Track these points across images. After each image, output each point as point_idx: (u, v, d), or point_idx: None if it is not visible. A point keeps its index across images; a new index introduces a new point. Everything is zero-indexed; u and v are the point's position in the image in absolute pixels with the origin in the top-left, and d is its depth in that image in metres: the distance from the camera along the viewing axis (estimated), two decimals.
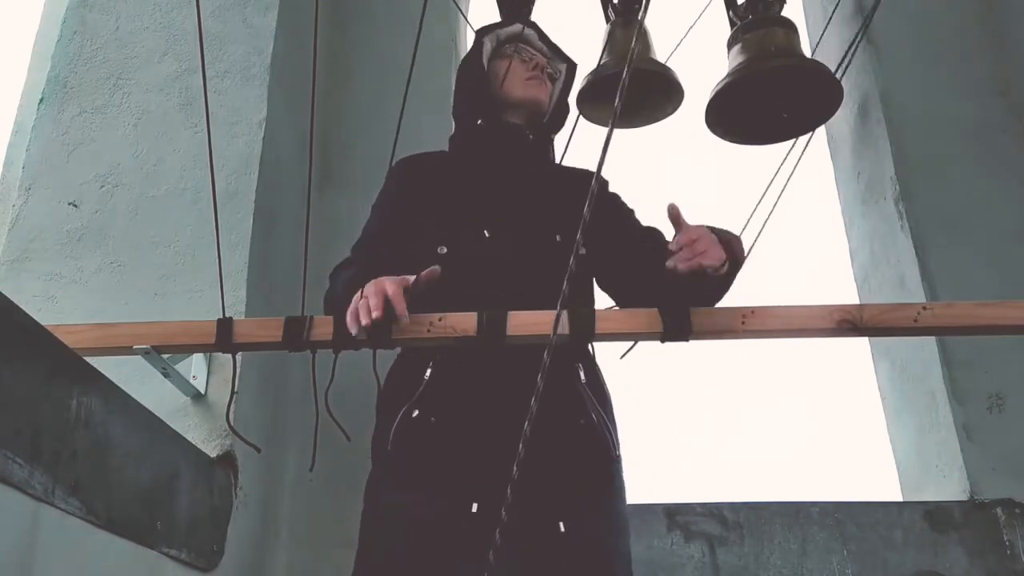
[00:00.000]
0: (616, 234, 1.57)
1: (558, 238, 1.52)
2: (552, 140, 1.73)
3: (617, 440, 1.47)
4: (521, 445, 1.05)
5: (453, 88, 1.78)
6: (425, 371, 1.43)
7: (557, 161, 1.75)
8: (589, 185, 1.49)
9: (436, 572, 1.30)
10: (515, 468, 1.05)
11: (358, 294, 1.31)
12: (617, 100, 0.93)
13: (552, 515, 1.34)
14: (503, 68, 1.64)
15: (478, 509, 1.32)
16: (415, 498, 1.35)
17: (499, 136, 1.63)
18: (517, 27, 1.71)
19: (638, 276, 1.49)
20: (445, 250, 1.48)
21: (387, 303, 1.28)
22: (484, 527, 1.25)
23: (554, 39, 1.75)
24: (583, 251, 1.53)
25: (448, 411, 1.40)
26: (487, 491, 1.28)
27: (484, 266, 1.48)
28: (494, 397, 1.37)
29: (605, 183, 1.66)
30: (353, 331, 1.31)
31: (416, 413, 1.40)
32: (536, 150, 1.65)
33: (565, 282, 1.07)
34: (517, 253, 1.50)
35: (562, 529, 1.34)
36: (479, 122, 1.63)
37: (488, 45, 1.69)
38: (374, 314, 1.27)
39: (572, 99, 1.82)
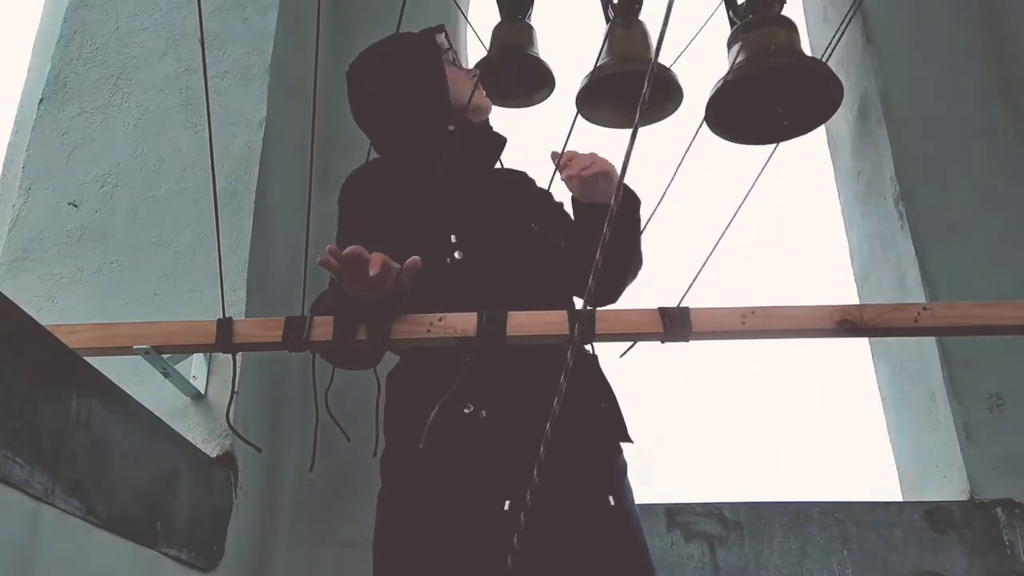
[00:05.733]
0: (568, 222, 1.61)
1: (534, 227, 1.56)
2: None
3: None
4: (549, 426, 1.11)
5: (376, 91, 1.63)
6: (457, 368, 1.36)
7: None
8: (528, 181, 1.69)
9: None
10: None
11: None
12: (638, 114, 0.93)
13: (602, 490, 1.40)
14: (455, 75, 1.63)
15: (510, 506, 1.29)
16: (459, 499, 1.34)
17: (480, 139, 1.62)
18: (441, 31, 1.67)
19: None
20: (460, 255, 1.46)
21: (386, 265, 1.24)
22: (527, 521, 1.26)
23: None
24: (562, 244, 1.58)
25: (495, 405, 1.37)
26: (532, 484, 1.22)
27: (489, 270, 1.47)
28: (527, 389, 1.35)
29: (533, 180, 1.68)
30: (372, 272, 1.23)
31: (470, 409, 1.35)
32: (500, 151, 1.65)
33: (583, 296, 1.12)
34: (511, 252, 1.50)
35: (612, 503, 1.39)
36: (451, 128, 1.57)
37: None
38: (375, 267, 1.22)
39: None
